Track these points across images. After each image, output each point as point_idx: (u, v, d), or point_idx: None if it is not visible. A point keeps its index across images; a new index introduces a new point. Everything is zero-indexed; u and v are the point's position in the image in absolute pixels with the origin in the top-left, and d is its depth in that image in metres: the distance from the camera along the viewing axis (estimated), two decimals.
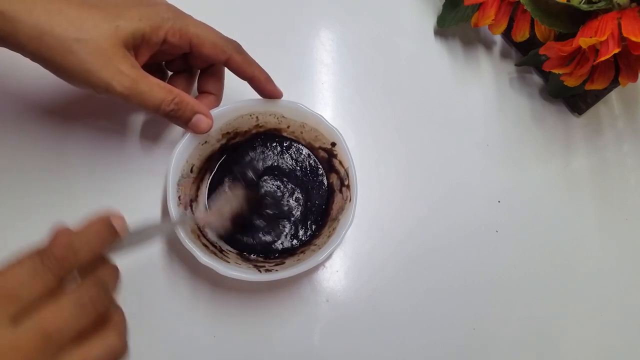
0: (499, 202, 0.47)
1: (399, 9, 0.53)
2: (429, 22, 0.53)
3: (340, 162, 0.41)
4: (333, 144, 0.41)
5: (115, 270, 0.28)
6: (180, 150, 0.38)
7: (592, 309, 0.45)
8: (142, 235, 0.30)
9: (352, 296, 0.42)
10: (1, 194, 0.41)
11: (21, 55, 0.32)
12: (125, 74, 0.33)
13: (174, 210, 0.36)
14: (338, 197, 0.41)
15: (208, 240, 0.38)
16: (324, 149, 0.42)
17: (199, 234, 0.38)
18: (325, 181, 0.43)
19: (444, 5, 0.51)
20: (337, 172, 0.41)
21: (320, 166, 0.43)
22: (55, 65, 0.32)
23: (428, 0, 0.53)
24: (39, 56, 0.31)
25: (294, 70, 0.49)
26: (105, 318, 0.26)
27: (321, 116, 0.40)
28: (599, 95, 0.50)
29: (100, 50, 0.32)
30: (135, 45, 0.34)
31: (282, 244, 0.41)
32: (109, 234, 0.27)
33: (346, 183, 0.40)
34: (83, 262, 0.26)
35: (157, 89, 0.34)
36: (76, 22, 0.31)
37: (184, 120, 0.36)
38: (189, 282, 0.40)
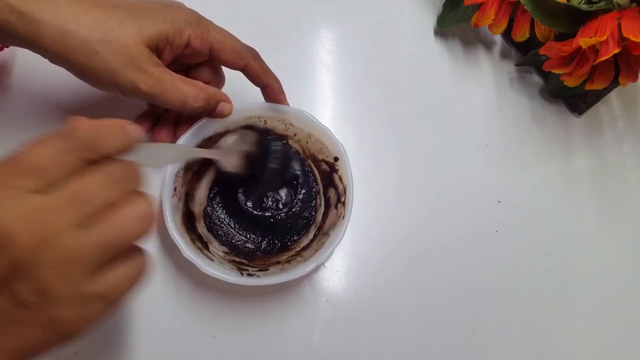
0: (499, 202, 0.47)
1: (399, 9, 0.53)
2: (429, 22, 0.53)
3: (340, 178, 0.40)
4: (336, 159, 0.41)
5: (138, 169, 0.25)
6: (185, 141, 0.38)
7: (592, 309, 0.45)
8: (154, 153, 0.28)
9: (352, 296, 0.42)
10: None
11: (41, 57, 0.32)
12: (149, 73, 0.33)
13: (167, 199, 0.36)
14: (332, 213, 0.41)
15: (196, 234, 0.39)
16: (327, 162, 0.42)
17: (188, 226, 0.38)
18: (321, 194, 0.43)
19: (444, 5, 0.51)
20: (336, 188, 0.41)
21: (320, 179, 0.43)
22: (79, 67, 0.31)
23: (428, 0, 0.53)
24: (63, 58, 0.31)
25: (294, 70, 0.49)
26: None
27: (328, 129, 0.40)
28: (599, 95, 0.50)
29: (125, 50, 0.32)
30: (159, 47, 0.34)
31: (268, 245, 0.41)
32: (127, 135, 0.25)
33: (342, 200, 0.40)
34: (107, 153, 0.24)
35: (181, 85, 0.34)
36: (101, 22, 0.31)
37: (209, 112, 0.37)
38: (189, 281, 0.40)
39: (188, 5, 0.37)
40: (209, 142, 0.40)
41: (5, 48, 0.43)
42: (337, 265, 0.43)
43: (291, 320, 0.41)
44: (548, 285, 0.45)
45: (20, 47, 0.32)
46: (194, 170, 0.40)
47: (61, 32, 0.30)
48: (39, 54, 0.32)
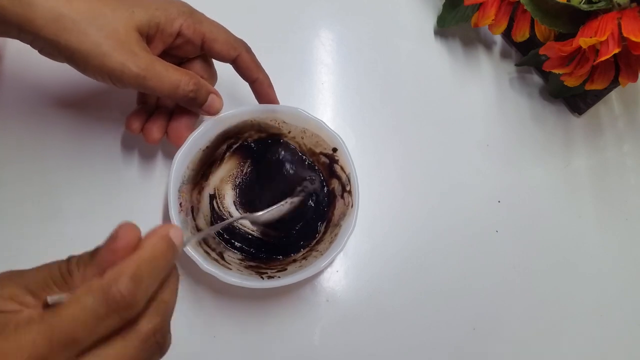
0: (499, 202, 0.47)
1: (399, 9, 0.53)
2: (429, 22, 0.53)
3: (342, 168, 0.40)
4: (334, 150, 0.41)
5: (176, 282, 0.25)
6: (182, 156, 0.38)
7: (592, 309, 0.45)
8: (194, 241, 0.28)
9: (352, 296, 0.42)
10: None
11: (30, 51, 0.32)
12: (140, 56, 0.33)
13: (175, 217, 0.36)
14: (339, 203, 0.41)
15: (210, 247, 0.38)
16: (325, 155, 0.42)
17: (200, 241, 0.38)
18: (325, 187, 0.43)
19: (444, 5, 0.51)
20: (339, 178, 0.41)
21: (321, 172, 0.43)
22: (69, 50, 0.31)
23: (428, 0, 0.53)
24: (54, 42, 0.31)
25: (294, 70, 0.49)
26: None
27: (322, 121, 0.40)
28: (599, 95, 0.50)
29: (115, 34, 0.32)
30: (149, 34, 0.34)
31: (284, 249, 0.41)
32: (172, 253, 0.24)
33: (348, 189, 0.40)
34: (149, 296, 0.23)
35: (172, 70, 0.34)
36: (94, 7, 0.32)
37: (200, 103, 0.36)
38: (189, 282, 0.40)
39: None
40: (207, 150, 0.40)
41: None
42: (337, 265, 0.43)
43: (291, 320, 0.41)
44: (548, 285, 0.45)
45: (10, 35, 0.31)
46: (194, 183, 0.40)
47: (53, 13, 0.30)
48: (27, 41, 0.32)
